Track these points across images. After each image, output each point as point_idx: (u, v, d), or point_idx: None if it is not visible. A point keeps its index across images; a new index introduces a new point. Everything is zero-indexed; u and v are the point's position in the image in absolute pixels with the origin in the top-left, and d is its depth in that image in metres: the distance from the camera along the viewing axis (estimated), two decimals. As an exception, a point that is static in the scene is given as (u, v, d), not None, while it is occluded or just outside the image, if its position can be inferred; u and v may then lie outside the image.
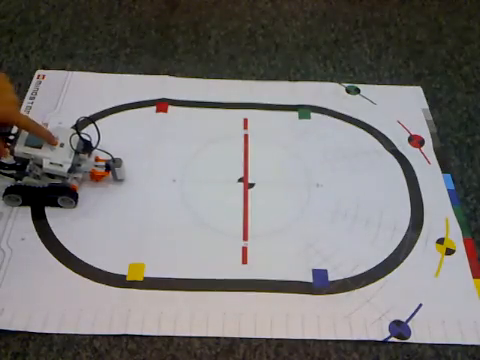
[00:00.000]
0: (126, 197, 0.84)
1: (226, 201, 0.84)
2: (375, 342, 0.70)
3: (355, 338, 0.70)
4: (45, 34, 1.10)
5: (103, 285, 0.73)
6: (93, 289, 0.73)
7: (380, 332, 0.71)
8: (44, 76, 1.01)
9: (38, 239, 0.78)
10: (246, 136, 0.93)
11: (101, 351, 0.68)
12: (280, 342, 0.70)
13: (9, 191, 0.79)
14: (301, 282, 0.75)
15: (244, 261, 0.77)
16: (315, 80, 1.04)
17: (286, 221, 0.82)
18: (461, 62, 1.10)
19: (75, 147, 0.78)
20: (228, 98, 0.99)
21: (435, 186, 0.88)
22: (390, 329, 0.71)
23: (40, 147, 0.77)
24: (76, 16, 1.14)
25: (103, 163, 0.82)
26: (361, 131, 0.95)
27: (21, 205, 0.81)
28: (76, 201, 0.81)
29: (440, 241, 0.81)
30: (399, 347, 0.70)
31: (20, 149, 0.76)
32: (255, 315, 0.72)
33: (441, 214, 0.84)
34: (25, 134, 0.77)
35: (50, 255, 0.76)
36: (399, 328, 0.71)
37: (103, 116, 0.94)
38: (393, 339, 0.70)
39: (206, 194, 0.85)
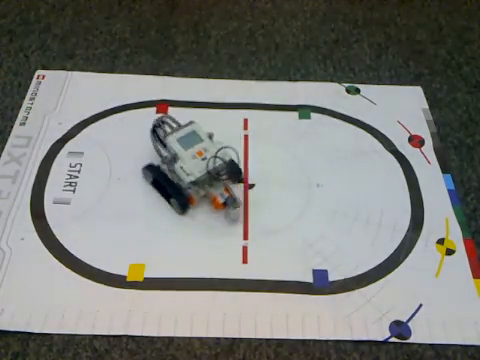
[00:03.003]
0: (126, 197, 0.84)
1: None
2: (375, 342, 0.70)
3: (355, 338, 0.70)
4: (45, 34, 1.10)
5: (103, 285, 0.74)
6: (93, 289, 0.73)
7: (380, 332, 0.71)
8: (44, 76, 1.01)
9: (38, 239, 0.78)
10: (246, 136, 0.93)
11: (101, 351, 0.68)
12: (280, 342, 0.70)
13: (147, 167, 0.84)
14: (301, 282, 0.75)
15: (244, 261, 0.77)
16: (315, 80, 1.04)
17: (286, 221, 0.82)
18: (461, 62, 1.10)
19: (212, 167, 0.78)
20: (228, 98, 0.99)
21: (435, 186, 0.88)
22: (390, 329, 0.71)
23: (186, 149, 0.79)
24: (76, 16, 1.14)
25: (227, 195, 0.80)
26: (361, 131, 0.95)
27: (151, 184, 0.84)
28: (183, 211, 0.81)
29: (440, 241, 0.81)
30: (399, 347, 0.70)
31: (170, 140, 0.79)
32: (255, 315, 0.72)
33: (441, 214, 0.84)
34: (183, 132, 0.80)
35: (50, 255, 0.76)
36: (399, 328, 0.71)
37: (103, 116, 0.94)
38: (393, 339, 0.70)
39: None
